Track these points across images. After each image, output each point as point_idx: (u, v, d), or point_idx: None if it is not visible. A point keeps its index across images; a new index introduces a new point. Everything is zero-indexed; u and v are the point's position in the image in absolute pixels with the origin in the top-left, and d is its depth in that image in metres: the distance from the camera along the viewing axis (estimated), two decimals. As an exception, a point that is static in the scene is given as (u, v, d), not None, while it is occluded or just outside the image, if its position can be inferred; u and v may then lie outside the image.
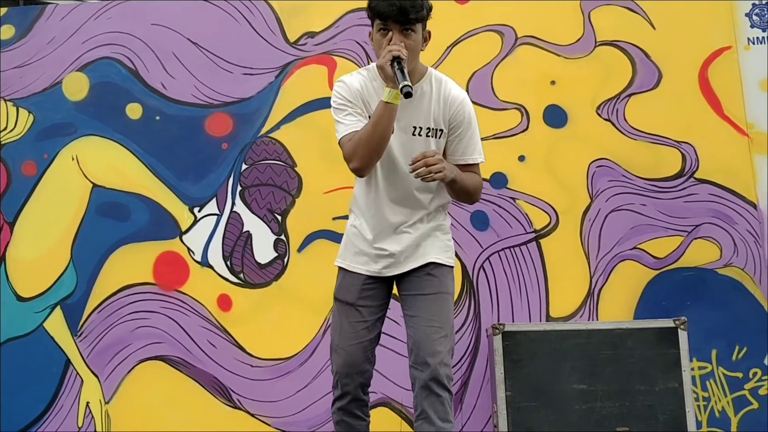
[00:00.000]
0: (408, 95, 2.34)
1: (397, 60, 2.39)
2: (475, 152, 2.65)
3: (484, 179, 3.92)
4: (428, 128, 2.58)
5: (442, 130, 2.60)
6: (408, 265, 2.60)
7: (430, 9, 2.56)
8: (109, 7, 4.25)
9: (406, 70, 2.39)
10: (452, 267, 2.67)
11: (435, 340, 2.49)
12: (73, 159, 4.11)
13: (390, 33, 2.50)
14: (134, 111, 4.13)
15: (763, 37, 4.03)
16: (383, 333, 2.70)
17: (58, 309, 3.97)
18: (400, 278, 2.64)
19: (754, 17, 4.04)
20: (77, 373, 3.93)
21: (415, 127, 2.57)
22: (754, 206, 3.89)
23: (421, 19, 2.51)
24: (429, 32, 2.61)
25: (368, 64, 4.03)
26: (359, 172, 2.53)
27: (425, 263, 2.59)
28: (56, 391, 3.91)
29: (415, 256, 2.60)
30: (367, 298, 2.62)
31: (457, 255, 3.88)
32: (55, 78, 4.16)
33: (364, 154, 2.46)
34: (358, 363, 2.58)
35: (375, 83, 2.59)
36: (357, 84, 2.60)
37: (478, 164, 2.67)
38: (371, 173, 2.58)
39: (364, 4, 4.11)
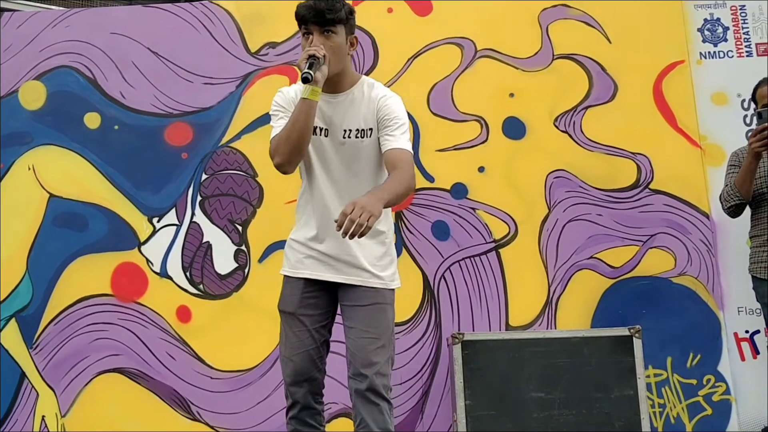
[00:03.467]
0: (305, 80, 2.43)
1: (312, 57, 2.46)
2: (400, 140, 2.60)
3: (445, 189, 4.02)
4: (357, 129, 2.63)
5: (371, 129, 2.63)
6: (344, 274, 2.62)
7: (350, 12, 2.63)
8: (68, 15, 4.21)
9: (321, 66, 2.47)
10: (392, 288, 2.66)
11: (371, 351, 2.54)
12: (29, 168, 4.05)
13: (311, 36, 2.57)
14: (92, 120, 4.09)
15: (714, 52, 4.13)
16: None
17: (13, 321, 3.90)
18: (340, 287, 2.66)
19: (706, 32, 4.15)
20: (32, 386, 3.86)
21: (345, 131, 2.63)
22: (707, 216, 3.98)
23: (339, 20, 2.57)
24: (356, 37, 2.67)
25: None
26: (281, 168, 2.57)
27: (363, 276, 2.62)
28: (11, 404, 3.84)
29: (352, 265, 2.61)
30: (307, 306, 2.65)
31: (418, 264, 3.97)
32: (11, 86, 4.11)
33: (285, 150, 2.53)
34: (305, 371, 2.63)
35: None
36: (293, 93, 2.68)
37: (405, 152, 2.59)
38: (313, 175, 2.65)
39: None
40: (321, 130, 2.64)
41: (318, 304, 2.66)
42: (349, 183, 2.63)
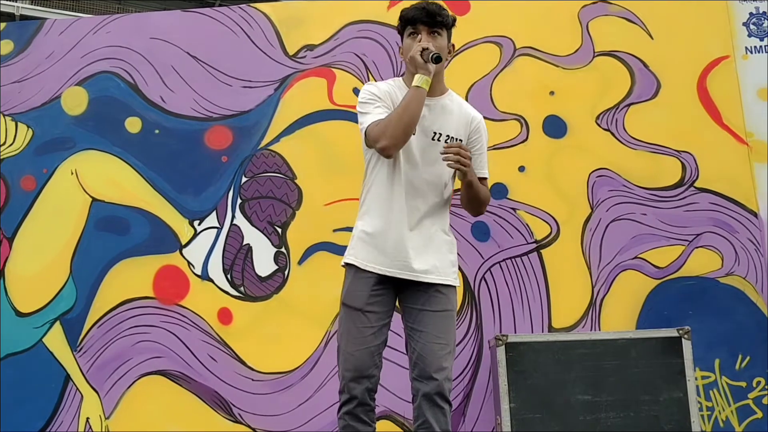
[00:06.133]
0: (438, 59, 2.57)
1: (426, 50, 2.60)
2: (486, 168, 2.82)
3: (485, 190, 3.98)
4: (448, 135, 2.72)
5: (461, 140, 2.73)
6: (416, 271, 2.64)
7: (454, 20, 2.78)
8: (108, 22, 4.26)
9: (440, 62, 2.60)
10: (455, 286, 2.75)
11: (441, 357, 2.60)
12: (72, 173, 4.10)
13: (419, 36, 2.69)
14: (133, 125, 4.12)
15: (760, 47, 4.04)
16: (391, 348, 2.72)
17: (57, 324, 3.95)
18: (405, 289, 2.68)
19: (752, 26, 4.06)
20: (77, 388, 3.90)
21: (435, 132, 2.71)
22: (755, 215, 3.89)
23: (445, 23, 2.71)
24: (453, 45, 2.80)
25: (367, 76, 4.07)
26: (387, 150, 2.60)
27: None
28: (56, 406, 3.88)
29: (424, 264, 2.65)
30: (375, 303, 2.65)
31: (458, 266, 3.92)
32: (54, 92, 4.16)
33: (394, 133, 2.58)
34: (365, 368, 2.63)
35: (401, 92, 2.72)
36: (385, 86, 2.78)
37: (486, 180, 2.82)
38: (395, 169, 2.67)
39: (363, 16, 4.15)
40: None
41: (384, 302, 2.67)
42: (421, 185, 2.68)
